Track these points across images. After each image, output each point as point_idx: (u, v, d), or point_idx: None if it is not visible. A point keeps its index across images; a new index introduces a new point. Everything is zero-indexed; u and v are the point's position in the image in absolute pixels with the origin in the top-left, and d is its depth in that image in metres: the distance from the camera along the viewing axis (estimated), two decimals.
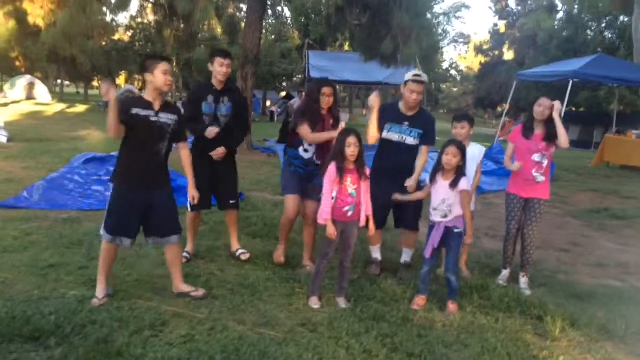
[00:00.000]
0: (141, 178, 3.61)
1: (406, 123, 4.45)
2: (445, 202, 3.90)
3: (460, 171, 3.89)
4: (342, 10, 11.90)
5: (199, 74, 37.52)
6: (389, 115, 4.49)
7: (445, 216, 3.92)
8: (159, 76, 3.57)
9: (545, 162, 4.46)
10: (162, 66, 3.57)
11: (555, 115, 4.32)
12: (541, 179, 4.48)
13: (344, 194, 3.79)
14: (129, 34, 37.68)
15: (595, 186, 10.75)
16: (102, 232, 3.67)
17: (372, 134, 4.50)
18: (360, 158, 3.80)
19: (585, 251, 5.99)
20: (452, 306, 3.89)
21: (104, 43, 33.80)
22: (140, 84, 56.07)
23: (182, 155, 3.85)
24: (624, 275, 5.16)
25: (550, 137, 4.36)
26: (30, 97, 31.17)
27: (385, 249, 5.31)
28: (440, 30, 44.14)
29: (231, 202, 4.79)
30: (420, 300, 3.97)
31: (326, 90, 4.33)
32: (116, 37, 35.34)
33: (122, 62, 38.11)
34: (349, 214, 3.83)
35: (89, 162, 8.77)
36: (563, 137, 4.33)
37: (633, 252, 6.02)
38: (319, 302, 3.83)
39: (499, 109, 50.91)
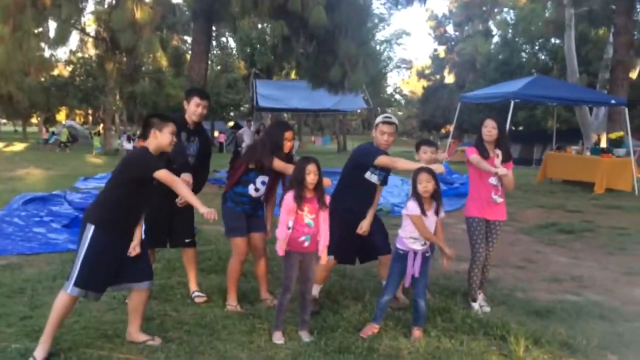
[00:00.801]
0: (128, 227, 3.46)
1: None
2: None
3: (437, 197, 3.85)
4: (289, 39, 11.96)
5: (143, 107, 36.93)
6: (374, 157, 4.27)
7: (425, 244, 3.88)
8: (167, 136, 3.51)
9: (500, 185, 4.52)
10: (171, 127, 3.54)
11: (501, 172, 4.36)
12: (500, 200, 4.54)
13: (300, 224, 3.71)
14: (69, 68, 36.75)
15: (541, 202, 11.08)
16: (69, 286, 3.29)
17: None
18: (319, 186, 3.73)
19: (540, 267, 6.09)
20: (417, 332, 3.83)
21: (42, 79, 32.82)
22: (83, 119, 54.61)
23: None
24: (579, 289, 5.25)
25: (504, 159, 4.42)
26: None
27: (342, 277, 5.24)
28: (384, 57, 45.18)
29: (187, 240, 4.62)
30: (374, 329, 3.87)
31: (288, 135, 4.26)
32: (55, 72, 34.36)
33: (62, 98, 37.08)
34: (306, 244, 3.74)
35: (29, 202, 8.39)
36: (507, 183, 4.50)
37: (585, 266, 6.16)
38: (282, 337, 3.69)
39: (443, 131, 52.37)
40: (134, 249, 3.46)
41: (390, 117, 4.40)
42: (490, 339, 3.82)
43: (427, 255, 3.92)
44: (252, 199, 4.33)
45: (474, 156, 4.44)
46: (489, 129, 4.43)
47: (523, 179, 14.93)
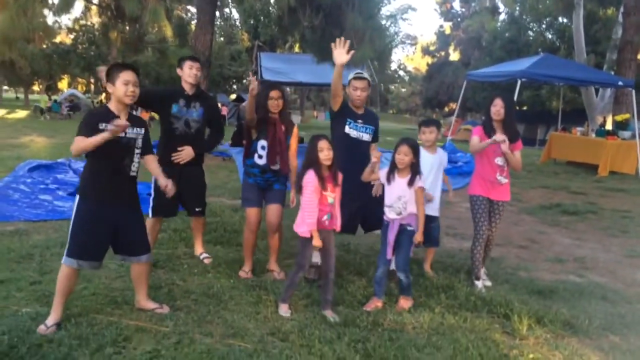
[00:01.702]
0: (105, 194, 3.36)
1: (360, 120, 4.50)
2: (401, 199, 3.88)
3: (415, 169, 3.88)
4: (295, 11, 11.80)
5: (146, 77, 36.65)
6: (348, 112, 4.51)
7: (400, 213, 3.89)
8: (120, 87, 3.30)
9: (506, 166, 4.50)
10: (124, 75, 3.30)
11: (505, 149, 4.30)
12: (505, 181, 4.53)
13: (324, 203, 3.68)
14: (71, 36, 36.39)
15: (545, 182, 11.09)
16: (64, 257, 3.32)
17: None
18: (334, 163, 3.68)
19: (543, 247, 6.13)
20: (402, 301, 3.90)
21: (44, 46, 32.54)
22: (85, 88, 54.38)
23: (148, 162, 3.61)
24: (582, 270, 5.29)
25: (512, 139, 4.39)
26: None
27: (346, 252, 5.28)
28: (391, 32, 44.70)
29: (197, 209, 4.70)
30: (377, 303, 3.93)
31: (274, 93, 4.28)
32: (57, 39, 34.05)
33: (64, 66, 36.80)
34: (327, 222, 3.73)
35: (35, 170, 8.41)
36: (514, 164, 4.48)
37: (587, 247, 6.20)
38: (288, 310, 3.73)
39: (447, 109, 52.11)
40: (166, 187, 3.53)
41: (361, 73, 4.50)
42: (493, 316, 3.86)
43: (408, 229, 3.89)
44: (261, 168, 4.36)
45: (474, 138, 4.46)
46: (498, 107, 4.39)
47: (527, 159, 14.87)
